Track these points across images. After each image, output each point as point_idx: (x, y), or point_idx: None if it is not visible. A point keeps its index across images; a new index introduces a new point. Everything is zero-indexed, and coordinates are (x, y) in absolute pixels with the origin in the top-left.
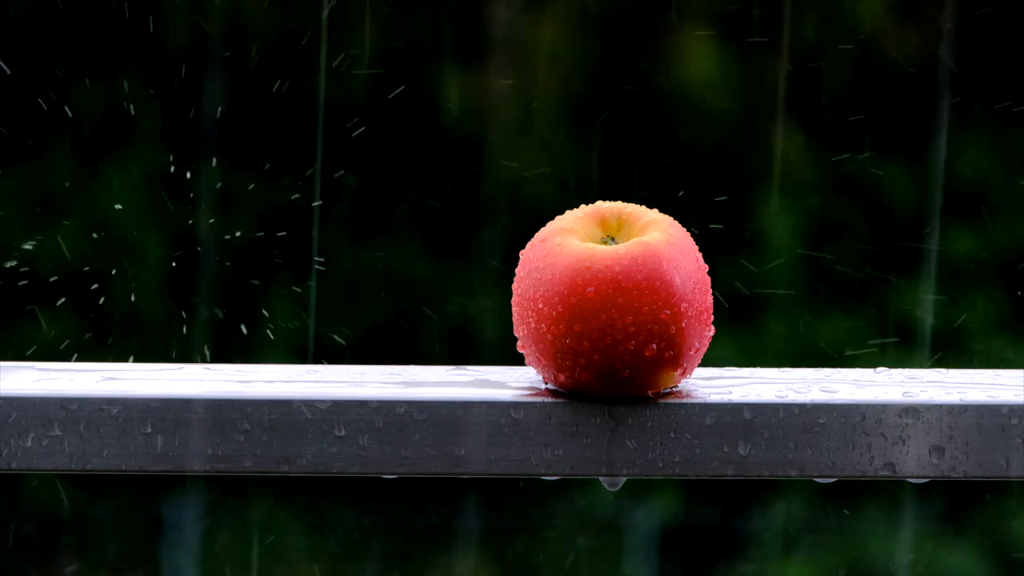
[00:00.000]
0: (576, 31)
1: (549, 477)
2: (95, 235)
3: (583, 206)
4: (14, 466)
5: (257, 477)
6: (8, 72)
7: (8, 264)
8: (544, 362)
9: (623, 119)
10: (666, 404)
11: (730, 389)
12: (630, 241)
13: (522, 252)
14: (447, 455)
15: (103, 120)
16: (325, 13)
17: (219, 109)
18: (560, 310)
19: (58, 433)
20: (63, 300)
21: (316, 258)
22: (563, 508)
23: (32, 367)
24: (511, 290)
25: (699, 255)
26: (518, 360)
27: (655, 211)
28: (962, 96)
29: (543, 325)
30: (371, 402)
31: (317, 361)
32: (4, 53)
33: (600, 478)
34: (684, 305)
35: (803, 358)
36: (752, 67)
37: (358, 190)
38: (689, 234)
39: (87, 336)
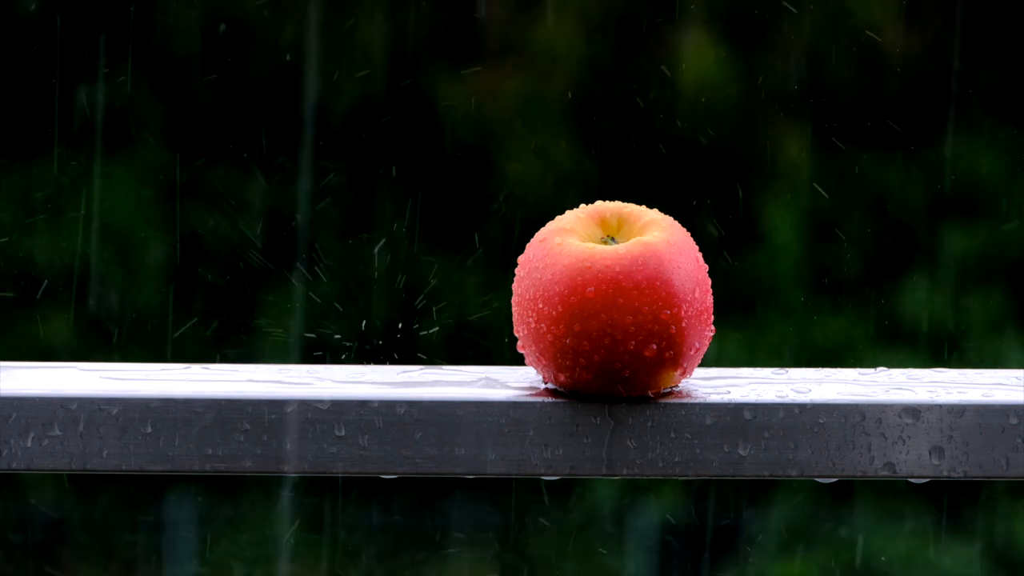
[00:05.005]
0: (576, 31)
1: (549, 477)
2: (95, 235)
3: (583, 206)
4: (14, 466)
5: (257, 477)
6: (9, 71)
7: (8, 264)
8: (544, 362)
9: (623, 119)
10: (666, 404)
11: (730, 389)
12: (630, 241)
13: (522, 252)
14: (447, 455)
15: (104, 120)
16: (326, 13)
17: (220, 109)
18: (560, 310)
19: (58, 433)
20: (63, 300)
21: (316, 258)
22: (563, 508)
23: (32, 367)
24: (511, 290)
25: (699, 255)
26: (518, 360)
27: (655, 211)
28: (965, 94)
29: (543, 325)
30: (371, 402)
31: (316, 361)
32: (5, 52)
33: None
34: (684, 305)
35: (803, 358)
36: (753, 66)
37: (358, 190)
38: (689, 234)
39: (87, 336)
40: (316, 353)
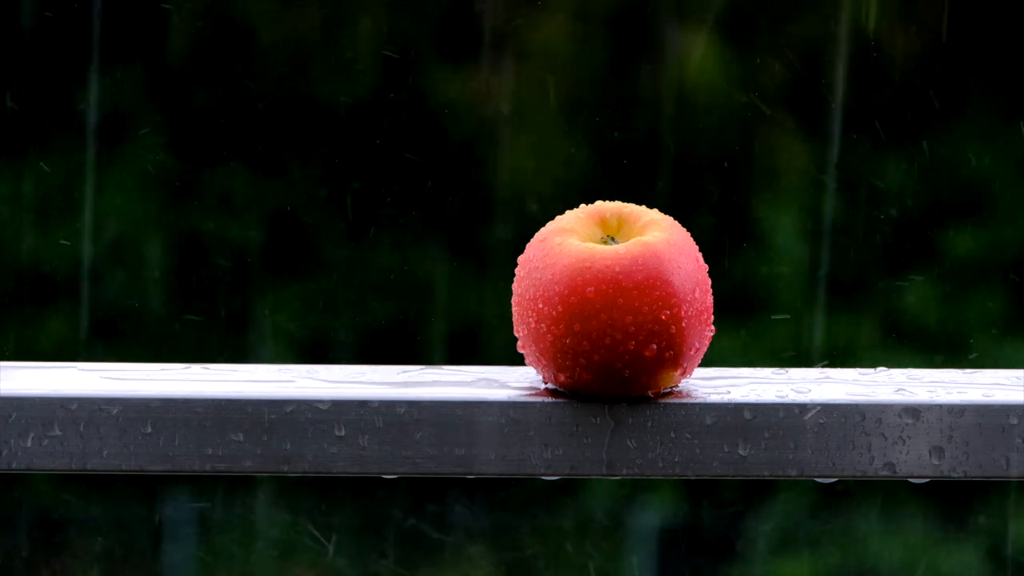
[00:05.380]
0: (576, 31)
1: (549, 477)
2: (95, 235)
3: (583, 206)
4: (14, 466)
5: (256, 477)
6: (10, 71)
7: (7, 263)
8: (544, 362)
9: (623, 119)
10: (666, 404)
11: (730, 389)
12: (630, 241)
13: (522, 252)
14: (447, 455)
15: (104, 119)
16: (324, 12)
17: (219, 109)
18: (560, 310)
19: (58, 433)
20: (63, 300)
21: (315, 257)
22: (563, 508)
23: (32, 367)
24: (511, 290)
25: (699, 255)
26: (518, 360)
27: (655, 211)
28: (964, 94)
29: (543, 325)
30: (371, 402)
31: (316, 361)
32: (7, 52)
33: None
34: (684, 305)
35: (803, 358)
36: (752, 66)
37: (358, 190)
38: (689, 234)
39: (87, 336)
40: (317, 353)
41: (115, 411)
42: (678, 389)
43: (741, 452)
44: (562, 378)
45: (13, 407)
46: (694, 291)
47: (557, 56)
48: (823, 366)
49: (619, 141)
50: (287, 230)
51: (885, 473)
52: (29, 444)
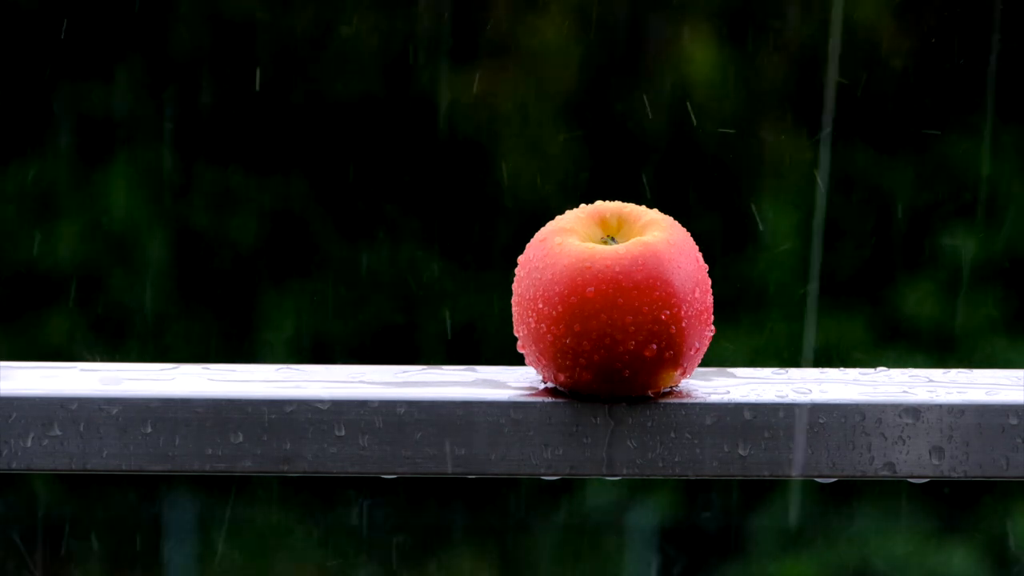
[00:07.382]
0: (575, 31)
1: (549, 477)
2: (95, 235)
3: (583, 206)
4: (14, 466)
5: (256, 477)
6: (10, 71)
7: (8, 263)
8: (544, 362)
9: (623, 118)
10: (666, 404)
11: (730, 389)
12: (630, 241)
13: (521, 252)
14: (447, 455)
15: (105, 119)
16: (326, 13)
17: (221, 109)
18: (560, 310)
19: (58, 433)
20: (63, 300)
21: (316, 258)
22: (563, 508)
23: (32, 367)
24: (511, 290)
25: (699, 255)
26: (518, 360)
27: (655, 211)
28: (965, 93)
29: (543, 325)
30: (371, 402)
31: (317, 361)
32: (7, 52)
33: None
34: (684, 305)
35: (803, 358)
36: (752, 65)
37: (358, 190)
38: (689, 234)
39: (87, 336)
40: (316, 353)
41: (115, 411)
42: (678, 389)
43: (741, 452)
44: (562, 378)
45: (13, 407)
46: (694, 291)
47: (557, 56)
48: (823, 366)
49: (619, 141)
50: (287, 230)
51: (885, 473)
52: (29, 444)
